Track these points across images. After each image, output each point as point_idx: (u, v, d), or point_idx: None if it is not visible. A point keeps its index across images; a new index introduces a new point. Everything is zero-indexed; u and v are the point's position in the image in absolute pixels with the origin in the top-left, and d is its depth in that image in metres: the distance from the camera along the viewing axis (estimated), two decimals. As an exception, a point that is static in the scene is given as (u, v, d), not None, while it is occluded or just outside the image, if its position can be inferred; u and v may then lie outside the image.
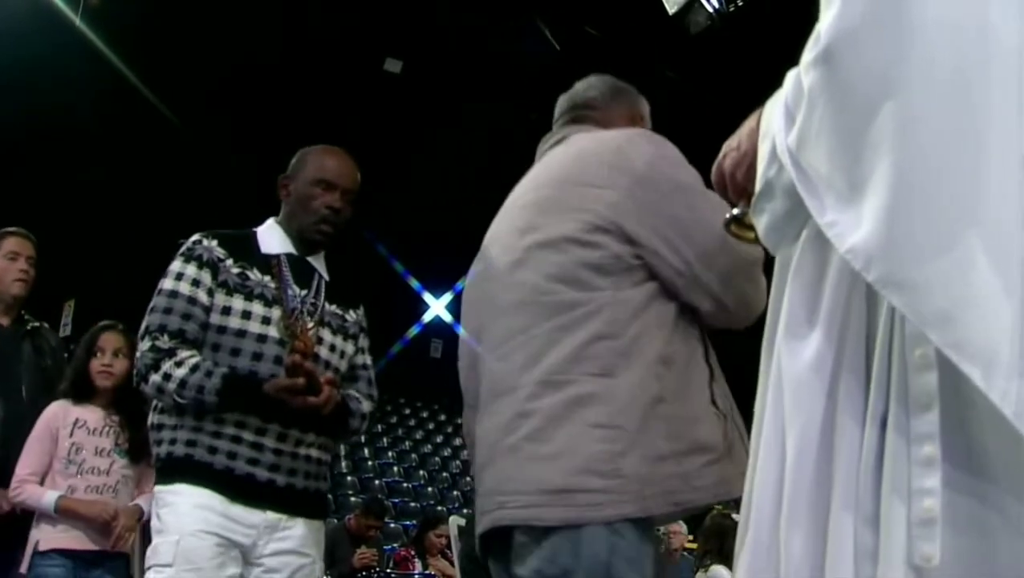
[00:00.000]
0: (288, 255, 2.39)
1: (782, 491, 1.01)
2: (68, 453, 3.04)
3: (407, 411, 14.87)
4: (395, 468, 12.70)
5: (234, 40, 10.07)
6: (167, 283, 2.27)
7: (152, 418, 2.29)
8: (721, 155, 1.21)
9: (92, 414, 3.13)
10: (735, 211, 1.22)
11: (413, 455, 13.57)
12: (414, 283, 13.75)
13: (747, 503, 1.09)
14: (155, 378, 2.19)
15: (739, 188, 1.19)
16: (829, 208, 0.94)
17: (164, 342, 2.20)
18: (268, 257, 2.36)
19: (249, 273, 2.31)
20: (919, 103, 0.87)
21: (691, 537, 8.48)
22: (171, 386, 2.16)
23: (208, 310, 2.25)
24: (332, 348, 2.39)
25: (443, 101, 11.54)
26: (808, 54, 0.96)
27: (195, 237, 2.34)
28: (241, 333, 2.24)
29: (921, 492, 0.89)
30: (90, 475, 3.05)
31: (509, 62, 10.51)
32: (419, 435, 14.49)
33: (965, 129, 0.86)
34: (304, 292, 2.36)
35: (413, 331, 13.86)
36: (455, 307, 13.34)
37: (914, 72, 0.87)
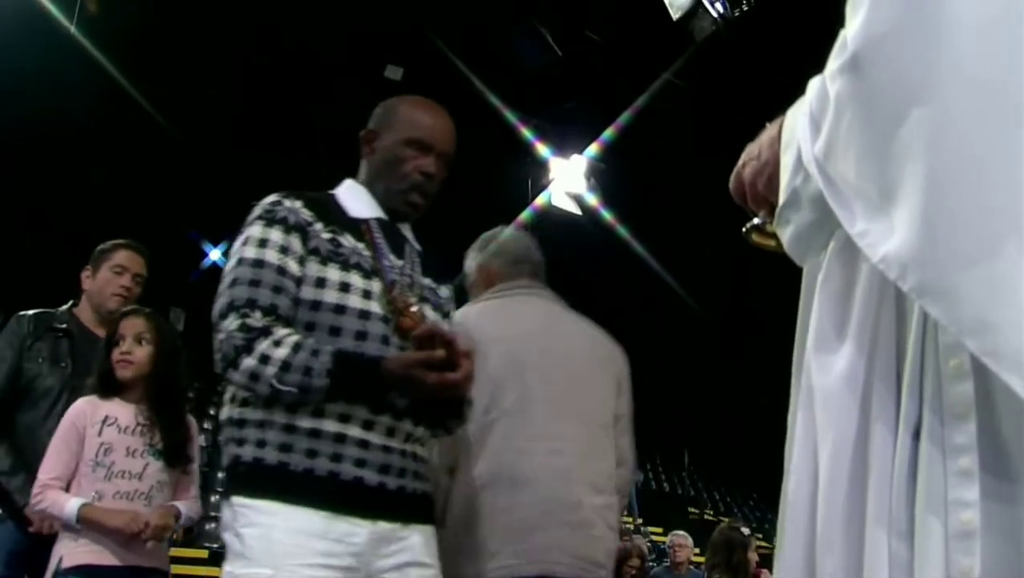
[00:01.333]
0: (378, 220, 2.06)
1: (816, 506, 1.01)
2: (96, 454, 2.64)
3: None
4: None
5: (233, 47, 10.00)
6: (249, 251, 1.90)
7: (231, 412, 1.91)
8: (740, 164, 1.19)
9: (122, 410, 2.72)
10: (756, 221, 1.22)
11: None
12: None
13: (782, 519, 1.09)
14: (249, 362, 1.80)
15: (759, 197, 1.17)
16: (859, 217, 0.92)
17: (256, 320, 1.83)
18: (357, 221, 2.02)
19: (341, 239, 1.96)
20: (951, 107, 0.85)
21: (697, 550, 8.43)
22: (270, 370, 1.78)
23: (299, 282, 1.90)
24: None
25: (444, 108, 11.43)
26: (834, 61, 0.94)
27: (273, 198, 1.98)
28: (340, 309, 1.89)
29: (958, 504, 0.88)
30: (120, 479, 2.64)
31: (510, 68, 10.41)
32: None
33: (999, 132, 0.84)
34: (401, 263, 2.03)
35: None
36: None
37: (945, 76, 0.85)
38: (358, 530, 1.82)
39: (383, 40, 10.72)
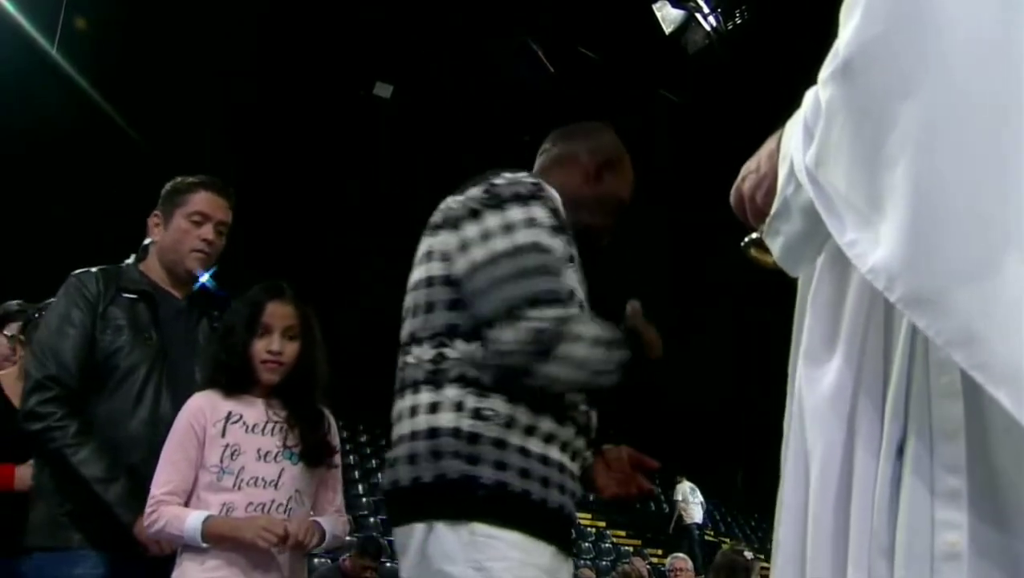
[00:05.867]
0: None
1: (808, 522, 1.00)
2: (221, 459, 2.16)
3: (402, 444, 14.49)
4: (391, 504, 12.35)
5: (217, 65, 9.92)
6: (523, 234, 1.66)
7: (459, 421, 1.63)
8: (740, 178, 1.17)
9: (250, 408, 2.22)
10: (754, 235, 1.19)
11: (409, 490, 13.21)
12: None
13: (778, 529, 1.08)
14: (571, 349, 1.59)
15: (758, 210, 1.14)
16: (849, 227, 0.91)
17: (570, 307, 1.65)
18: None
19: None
20: (940, 115, 0.84)
21: (699, 574, 8.30)
22: (598, 352, 1.61)
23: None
24: None
25: (434, 125, 11.37)
26: (825, 69, 0.93)
27: (531, 178, 1.76)
28: None
29: (945, 525, 0.87)
30: (252, 488, 2.17)
31: (503, 84, 10.34)
32: (415, 468, 14.12)
33: (988, 141, 0.82)
34: None
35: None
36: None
37: (936, 84, 0.84)
38: (568, 568, 1.67)
39: (372, 57, 10.65)
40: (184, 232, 2.45)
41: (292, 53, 10.19)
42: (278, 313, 2.22)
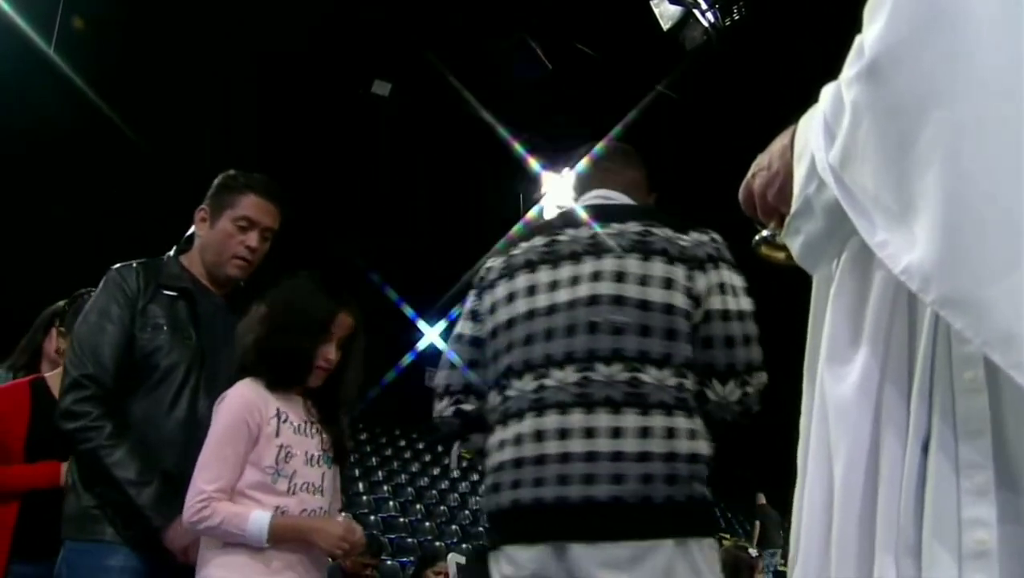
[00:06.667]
0: None
1: (831, 518, 0.99)
2: (276, 461, 2.08)
3: (402, 443, 14.54)
4: (391, 503, 12.37)
5: (214, 64, 9.89)
6: (749, 301, 1.94)
7: (694, 446, 1.84)
8: (750, 174, 1.17)
9: (295, 407, 2.17)
10: (765, 233, 1.19)
11: (409, 489, 13.23)
12: (408, 310, 13.48)
13: (796, 532, 1.07)
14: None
15: (769, 208, 1.14)
16: (880, 227, 0.90)
17: None
18: None
19: None
20: (971, 115, 0.83)
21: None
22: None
23: None
24: None
25: (433, 123, 11.35)
26: (850, 68, 0.92)
27: (717, 236, 2.02)
28: None
29: (973, 523, 0.87)
30: (304, 493, 2.10)
31: (501, 81, 10.31)
32: (415, 468, 14.15)
33: (1021, 140, 0.81)
34: None
35: (407, 359, 13.57)
36: (449, 334, 12.97)
37: (965, 84, 0.84)
38: None
39: (371, 55, 10.63)
40: (228, 236, 2.39)
41: (291, 52, 10.16)
42: (344, 324, 2.20)
